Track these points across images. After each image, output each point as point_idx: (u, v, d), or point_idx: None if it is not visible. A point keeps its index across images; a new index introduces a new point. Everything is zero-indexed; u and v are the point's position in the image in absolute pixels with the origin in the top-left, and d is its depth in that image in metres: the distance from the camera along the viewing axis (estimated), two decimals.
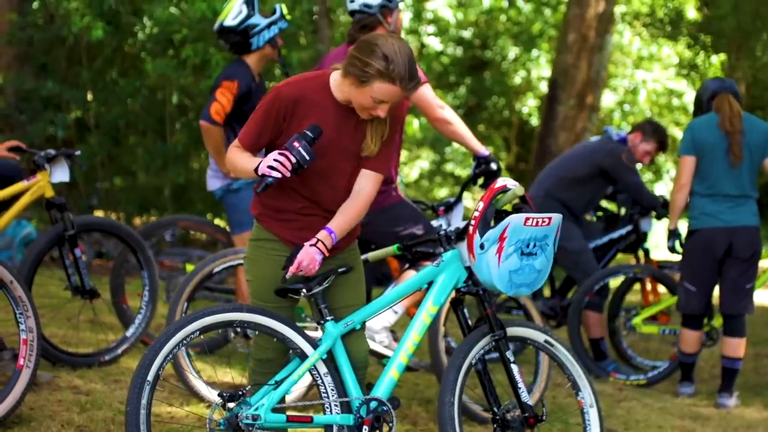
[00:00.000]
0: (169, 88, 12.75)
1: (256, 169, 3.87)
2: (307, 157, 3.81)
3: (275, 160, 3.80)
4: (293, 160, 3.80)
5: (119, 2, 12.17)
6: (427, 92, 5.68)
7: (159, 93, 13.09)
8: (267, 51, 6.48)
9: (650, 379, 7.29)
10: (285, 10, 6.46)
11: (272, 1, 11.32)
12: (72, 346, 6.37)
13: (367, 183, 4.08)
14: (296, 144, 3.82)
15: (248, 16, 6.36)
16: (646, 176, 24.68)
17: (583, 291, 7.36)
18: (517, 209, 4.20)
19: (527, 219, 4.08)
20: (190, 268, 6.75)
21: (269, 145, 4.02)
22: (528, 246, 4.11)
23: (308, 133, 3.84)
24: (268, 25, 6.40)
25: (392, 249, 4.54)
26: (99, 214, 13.25)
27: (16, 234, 9.77)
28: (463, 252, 4.31)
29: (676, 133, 23.59)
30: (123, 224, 6.65)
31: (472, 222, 4.14)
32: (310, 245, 3.93)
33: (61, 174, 6.20)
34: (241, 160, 3.98)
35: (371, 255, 4.59)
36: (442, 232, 4.42)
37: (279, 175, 3.80)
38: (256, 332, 4.08)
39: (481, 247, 4.09)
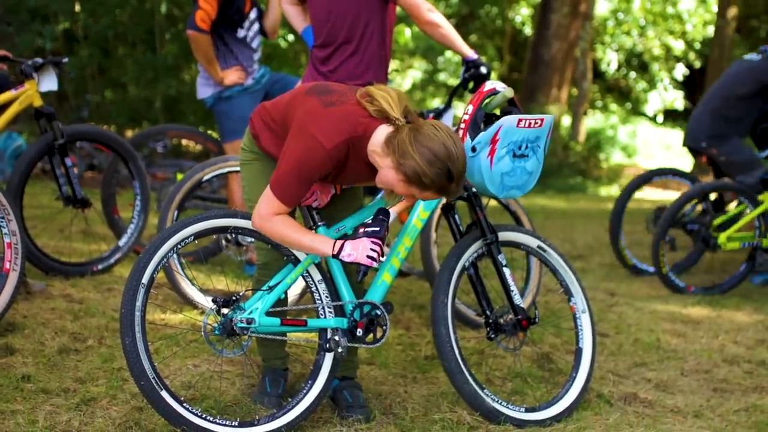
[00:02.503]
0: None
1: (337, 255, 3.74)
2: (384, 239, 3.83)
3: (373, 249, 3.74)
4: (384, 247, 3.80)
5: None
6: None
7: (147, 3, 12.94)
8: None
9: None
10: None
11: None
12: (65, 255, 6.37)
13: None
14: (385, 233, 3.81)
15: None
16: (640, 85, 24.60)
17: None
18: (506, 112, 4.16)
19: (520, 120, 4.04)
20: (180, 177, 6.72)
21: None
22: (520, 148, 4.07)
23: (384, 219, 3.84)
24: None
25: None
26: None
27: (7, 147, 9.70)
28: None
29: (671, 42, 23.48)
30: (114, 134, 6.60)
31: (462, 126, 4.09)
32: None
33: (50, 83, 6.13)
34: (299, 235, 3.78)
35: None
36: None
37: (377, 265, 3.78)
38: (257, 240, 4.07)
39: (473, 150, 4.05)
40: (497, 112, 4.18)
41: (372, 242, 3.75)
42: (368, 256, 3.73)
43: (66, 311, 5.33)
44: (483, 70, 5.73)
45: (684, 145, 8.02)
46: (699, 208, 7.71)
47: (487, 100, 4.13)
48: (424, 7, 5.58)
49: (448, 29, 5.68)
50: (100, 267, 6.24)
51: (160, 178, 11.17)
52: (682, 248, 7.86)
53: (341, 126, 3.66)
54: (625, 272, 8.15)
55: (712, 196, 7.74)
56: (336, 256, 3.75)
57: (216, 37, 6.36)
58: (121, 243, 6.40)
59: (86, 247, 6.69)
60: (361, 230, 3.79)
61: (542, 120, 4.09)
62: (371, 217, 4.06)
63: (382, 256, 3.81)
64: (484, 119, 4.10)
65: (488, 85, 4.17)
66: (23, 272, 4.92)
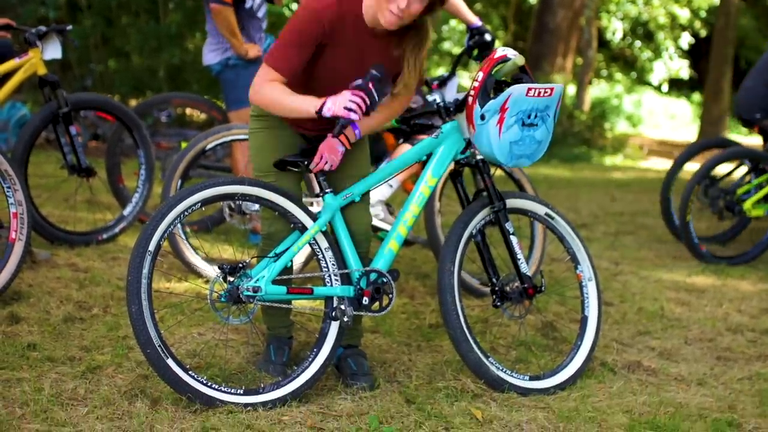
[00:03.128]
0: None
1: (320, 111, 3.70)
2: (378, 99, 3.73)
3: (352, 101, 3.68)
4: (368, 102, 3.71)
5: None
6: None
7: None
8: None
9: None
10: None
11: None
12: (70, 225, 6.38)
13: (400, 99, 4.11)
14: (371, 86, 3.71)
15: None
16: (645, 54, 24.53)
17: None
18: (516, 80, 4.12)
19: (529, 89, 4.01)
20: (184, 145, 6.72)
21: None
22: (529, 117, 4.05)
23: (375, 73, 3.74)
24: None
25: (390, 122, 4.51)
26: None
27: (11, 116, 9.70)
28: (462, 124, 4.27)
29: (676, 10, 23.36)
30: (118, 102, 6.59)
31: (472, 93, 4.07)
32: (333, 136, 3.92)
33: (53, 51, 6.12)
34: (289, 98, 3.78)
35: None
36: (441, 104, 4.37)
37: (356, 118, 3.69)
38: (260, 207, 4.06)
39: (482, 118, 4.02)
40: (507, 79, 4.16)
41: (352, 93, 3.71)
42: (345, 108, 3.68)
43: (71, 280, 5.34)
44: (487, 37, 5.71)
45: (735, 115, 7.99)
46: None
47: (497, 67, 4.10)
48: None
49: None
50: (105, 236, 6.24)
51: (164, 147, 11.15)
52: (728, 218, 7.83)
53: None
54: (630, 240, 8.15)
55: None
56: (319, 114, 3.71)
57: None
58: (125, 212, 6.41)
59: (91, 216, 6.69)
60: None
61: (552, 89, 4.07)
62: (379, 178, 4.10)
63: (366, 108, 3.72)
64: (494, 86, 4.08)
65: (499, 52, 4.13)
66: (29, 242, 4.93)
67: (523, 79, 4.12)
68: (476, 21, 5.77)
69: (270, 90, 3.79)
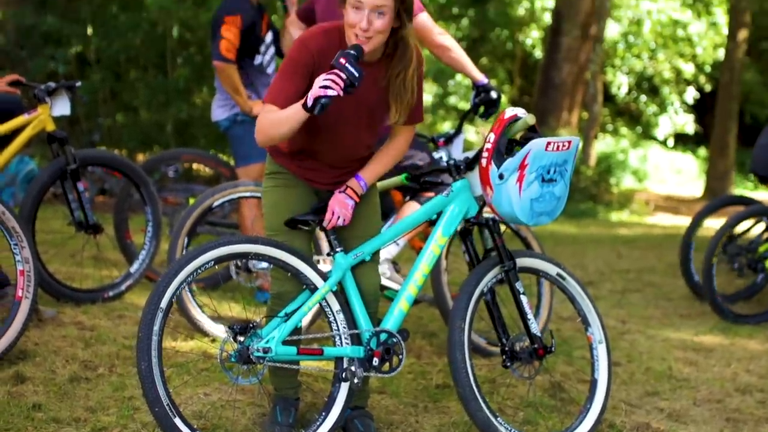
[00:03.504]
0: (170, 22, 12.65)
1: (305, 103, 3.71)
2: (356, 73, 3.69)
3: (326, 79, 3.68)
4: (344, 76, 3.70)
5: None
6: (425, 19, 5.56)
7: (159, 27, 12.99)
8: None
9: None
10: None
11: None
12: (76, 282, 6.37)
13: (401, 135, 4.13)
14: (342, 60, 3.71)
15: None
16: (651, 108, 24.58)
17: None
18: (526, 139, 4.10)
19: (548, 144, 3.99)
20: (192, 202, 6.73)
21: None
22: (549, 172, 4.03)
23: (351, 51, 3.75)
24: None
25: (400, 178, 4.50)
26: None
27: (19, 170, 9.73)
28: (473, 181, 4.26)
29: (681, 65, 23.47)
30: (126, 158, 6.61)
31: (485, 154, 4.05)
32: (340, 192, 3.97)
33: (62, 107, 6.16)
34: (282, 113, 3.79)
35: (378, 184, 4.53)
36: (452, 162, 4.36)
37: (334, 93, 3.66)
38: (271, 266, 4.05)
39: (500, 177, 4.00)
40: (517, 138, 4.14)
41: (326, 73, 3.69)
42: (321, 86, 3.66)
43: (77, 339, 5.32)
44: (493, 95, 5.72)
45: (751, 171, 7.99)
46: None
47: (509, 127, 4.09)
48: (435, 31, 5.58)
49: (459, 53, 5.68)
50: (111, 293, 6.23)
51: (171, 202, 11.16)
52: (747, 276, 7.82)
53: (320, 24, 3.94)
54: (637, 298, 8.12)
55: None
56: (305, 107, 3.68)
57: (237, 66, 6.38)
58: (132, 269, 6.40)
59: (98, 273, 6.68)
60: None
61: (569, 142, 4.06)
62: (389, 237, 4.09)
63: (343, 86, 3.69)
64: (506, 146, 4.07)
65: (509, 112, 4.12)
66: (35, 300, 4.92)
67: (533, 137, 4.10)
68: (482, 78, 5.79)
69: (265, 118, 3.81)
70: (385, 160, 4.11)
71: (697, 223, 7.92)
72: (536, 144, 3.99)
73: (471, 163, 4.29)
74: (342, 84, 3.67)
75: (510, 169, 3.99)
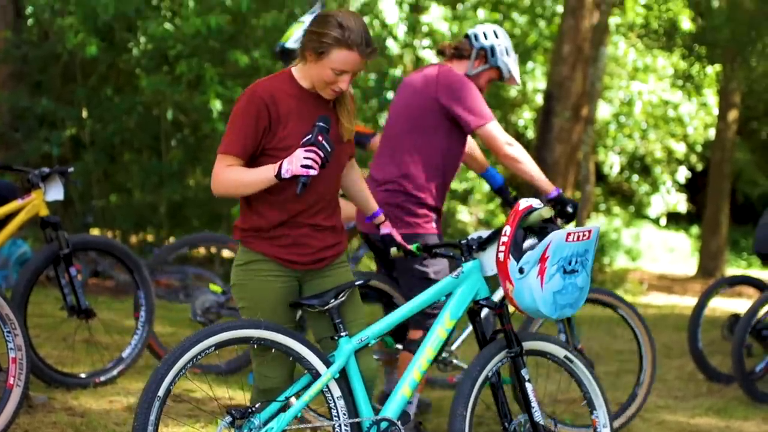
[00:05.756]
0: (164, 105, 12.73)
1: (278, 174, 3.77)
2: (329, 149, 3.80)
3: (306, 157, 3.75)
4: (322, 155, 3.78)
5: (113, 19, 12.16)
6: (494, 128, 5.44)
7: (154, 109, 13.07)
8: None
9: None
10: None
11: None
12: (67, 366, 6.33)
13: (357, 172, 4.37)
14: (320, 138, 3.79)
15: None
16: (643, 188, 24.70)
17: None
18: (541, 228, 4.06)
19: (569, 235, 3.94)
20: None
21: (258, 152, 3.92)
22: (570, 263, 3.96)
23: (323, 125, 3.83)
24: None
25: (412, 247, 4.46)
26: (95, 231, 13.21)
27: (12, 253, 9.73)
28: (485, 262, 4.22)
29: (672, 145, 23.63)
30: (119, 243, 6.62)
31: (502, 248, 3.99)
32: (299, 187, 3.88)
33: (56, 192, 6.18)
34: (247, 173, 3.84)
35: (393, 251, 4.47)
36: (464, 241, 4.32)
37: (315, 173, 3.76)
38: (258, 365, 4.01)
39: (521, 271, 3.94)
40: (534, 227, 4.08)
41: (305, 151, 3.75)
42: (303, 166, 3.73)
43: (68, 425, 5.27)
44: (569, 209, 5.51)
45: (755, 251, 8.01)
46: None
47: (523, 218, 4.04)
48: (502, 140, 5.44)
49: (528, 164, 5.51)
50: (102, 378, 6.19)
51: (164, 284, 11.16)
52: (756, 355, 7.80)
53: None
54: (632, 380, 8.07)
55: None
56: (278, 177, 3.75)
57: None
58: (124, 354, 6.36)
59: (89, 358, 6.64)
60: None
61: (590, 232, 4.01)
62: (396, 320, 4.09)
63: (320, 162, 3.77)
64: (523, 236, 4.03)
65: (524, 203, 4.08)
66: (27, 387, 4.88)
67: (548, 227, 4.05)
68: (553, 191, 5.50)
69: (228, 173, 3.86)
70: (365, 188, 4.40)
71: (704, 303, 7.94)
72: (557, 236, 3.93)
73: (483, 244, 4.25)
74: (320, 162, 3.77)
75: (531, 262, 3.93)
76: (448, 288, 4.26)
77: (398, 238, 4.49)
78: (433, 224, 5.42)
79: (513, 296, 4.04)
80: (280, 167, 3.78)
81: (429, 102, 5.38)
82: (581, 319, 12.69)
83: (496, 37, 5.63)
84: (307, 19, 6.46)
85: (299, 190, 3.78)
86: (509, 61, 5.66)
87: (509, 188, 5.88)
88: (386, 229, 4.44)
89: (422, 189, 5.36)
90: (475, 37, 5.62)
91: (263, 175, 3.82)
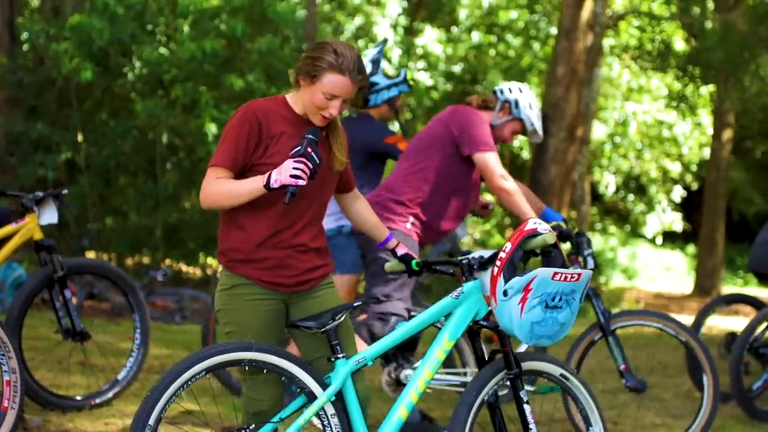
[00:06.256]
0: (159, 128, 12.77)
1: (267, 185, 3.80)
2: (318, 161, 3.83)
3: (295, 168, 3.77)
4: (311, 166, 3.80)
5: (108, 44, 12.20)
6: (491, 159, 5.65)
7: (149, 133, 13.11)
8: (384, 110, 6.61)
9: None
10: (409, 75, 6.57)
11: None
12: (62, 389, 6.32)
13: (362, 202, 4.38)
14: (309, 149, 3.82)
15: (371, 74, 6.49)
16: (639, 207, 24.73)
17: None
18: (545, 252, 4.06)
19: (555, 274, 3.92)
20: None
21: (247, 167, 3.94)
22: (554, 299, 3.95)
23: (312, 137, 3.86)
24: (389, 86, 6.54)
25: (411, 264, 4.42)
26: (90, 254, 13.22)
27: (7, 276, 9.73)
28: (485, 282, 4.18)
29: (667, 164, 23.69)
30: (113, 266, 6.63)
31: (498, 263, 3.98)
32: (286, 199, 3.87)
33: (50, 216, 6.18)
34: (236, 184, 3.87)
35: (388, 266, 4.46)
36: (465, 260, 4.26)
37: (303, 183, 3.78)
38: (248, 388, 4.00)
39: (504, 294, 3.93)
40: (537, 250, 4.07)
41: (294, 161, 3.78)
42: (292, 176, 3.75)
43: None
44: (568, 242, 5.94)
45: (750, 269, 8.01)
46: None
47: (526, 241, 4.04)
48: (498, 172, 5.65)
49: (519, 200, 5.68)
50: (98, 401, 6.18)
51: (160, 306, 11.17)
52: (753, 373, 7.80)
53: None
54: (628, 398, 8.07)
55: None
56: (267, 187, 3.78)
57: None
58: (119, 376, 6.35)
59: (84, 381, 6.63)
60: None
61: (579, 275, 3.98)
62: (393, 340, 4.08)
63: (309, 173, 3.79)
64: (522, 257, 4.02)
65: (529, 225, 4.06)
66: (21, 410, 4.88)
67: (552, 253, 4.05)
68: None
69: (216, 185, 3.89)
70: (372, 217, 4.39)
71: (700, 321, 7.95)
72: (543, 272, 3.92)
73: (485, 263, 4.22)
74: (308, 172, 3.79)
75: (515, 288, 3.92)
76: (448, 308, 4.21)
77: (414, 254, 4.55)
78: (410, 225, 5.65)
79: (495, 313, 4.04)
80: (269, 177, 3.81)
81: (440, 128, 5.77)
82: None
83: (521, 92, 5.94)
84: (370, 53, 6.64)
85: (287, 199, 3.80)
86: (532, 115, 5.94)
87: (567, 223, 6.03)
88: (402, 250, 4.42)
89: (404, 193, 5.68)
90: (501, 91, 5.96)
91: (252, 185, 3.86)
